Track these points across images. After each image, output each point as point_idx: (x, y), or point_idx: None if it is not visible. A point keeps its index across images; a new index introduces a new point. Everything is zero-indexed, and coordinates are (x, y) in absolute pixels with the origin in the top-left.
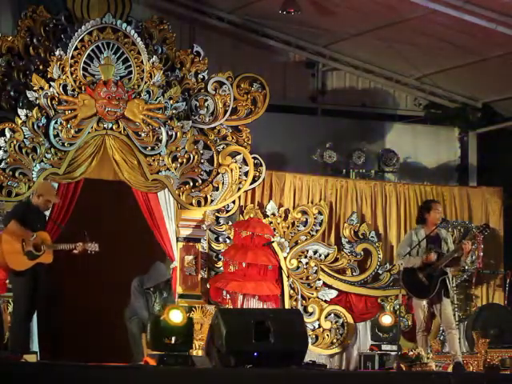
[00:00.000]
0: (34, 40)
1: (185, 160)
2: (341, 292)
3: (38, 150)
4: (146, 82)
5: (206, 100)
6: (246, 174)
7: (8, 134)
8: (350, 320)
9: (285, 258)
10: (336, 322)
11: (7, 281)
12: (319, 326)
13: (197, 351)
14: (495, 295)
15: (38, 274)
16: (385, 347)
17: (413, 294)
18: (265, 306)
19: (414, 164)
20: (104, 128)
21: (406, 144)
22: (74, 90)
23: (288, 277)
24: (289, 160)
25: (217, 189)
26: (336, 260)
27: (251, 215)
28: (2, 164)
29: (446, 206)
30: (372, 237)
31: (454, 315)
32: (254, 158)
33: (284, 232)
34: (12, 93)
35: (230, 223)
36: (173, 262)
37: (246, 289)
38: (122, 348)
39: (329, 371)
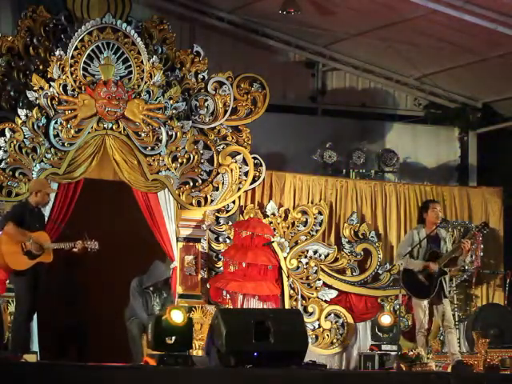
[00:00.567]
0: (34, 40)
1: (185, 160)
2: (341, 292)
3: (38, 150)
4: (145, 82)
5: (206, 100)
6: (246, 174)
7: (8, 133)
8: (350, 320)
9: (285, 258)
10: (336, 322)
11: (7, 281)
12: (319, 326)
13: (197, 351)
14: (495, 295)
15: (39, 274)
16: (385, 347)
17: (413, 294)
18: (265, 306)
19: (414, 164)
20: (104, 128)
21: (406, 144)
22: (73, 90)
23: (288, 277)
24: (289, 160)
25: (217, 189)
26: (336, 260)
27: (251, 215)
28: (2, 164)
29: (446, 205)
30: (372, 237)
31: (454, 315)
32: (254, 158)
33: (284, 232)
34: (12, 93)
35: (230, 223)
36: (173, 262)
37: (246, 289)
38: (122, 348)
39: (329, 371)
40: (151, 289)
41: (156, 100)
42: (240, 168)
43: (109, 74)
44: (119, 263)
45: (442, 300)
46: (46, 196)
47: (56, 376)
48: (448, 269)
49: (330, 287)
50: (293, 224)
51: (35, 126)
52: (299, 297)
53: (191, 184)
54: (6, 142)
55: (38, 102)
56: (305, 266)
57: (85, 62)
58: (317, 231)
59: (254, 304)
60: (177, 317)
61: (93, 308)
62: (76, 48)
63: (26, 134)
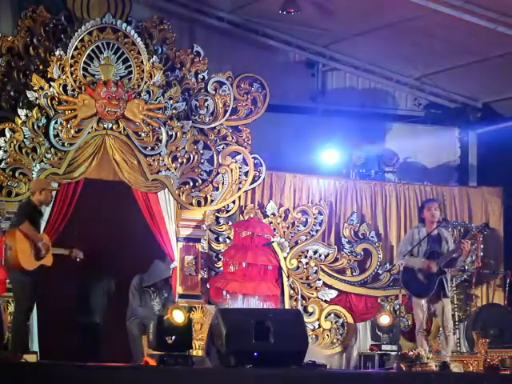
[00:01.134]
0: (34, 40)
1: (185, 160)
2: (341, 292)
3: (38, 150)
4: (146, 82)
5: (206, 100)
6: (246, 174)
7: (8, 133)
8: (350, 320)
9: (285, 258)
10: (336, 322)
11: (7, 281)
12: (319, 326)
13: (197, 351)
14: (495, 295)
15: (38, 273)
16: (385, 347)
17: (412, 293)
18: (265, 306)
19: (413, 164)
20: (104, 128)
21: (405, 144)
22: (74, 90)
23: (288, 277)
24: (289, 160)
25: (217, 189)
26: (336, 260)
27: (251, 215)
28: (2, 164)
29: (446, 205)
30: (372, 237)
31: (454, 315)
32: (254, 158)
33: (284, 232)
34: (12, 93)
35: (230, 223)
36: (173, 262)
37: (246, 289)
38: (122, 348)
39: (329, 371)
40: (151, 288)
41: (156, 100)
42: (240, 168)
43: (109, 74)
44: (119, 263)
45: (442, 299)
46: (50, 194)
47: (56, 376)
48: (448, 269)
49: (330, 287)
50: (293, 224)
51: (35, 126)
52: (299, 297)
53: (191, 184)
54: (5, 142)
55: (37, 102)
56: (305, 266)
57: (85, 62)
58: (317, 231)
59: (254, 304)
60: (178, 317)
61: (93, 308)
62: (76, 48)
63: (26, 134)
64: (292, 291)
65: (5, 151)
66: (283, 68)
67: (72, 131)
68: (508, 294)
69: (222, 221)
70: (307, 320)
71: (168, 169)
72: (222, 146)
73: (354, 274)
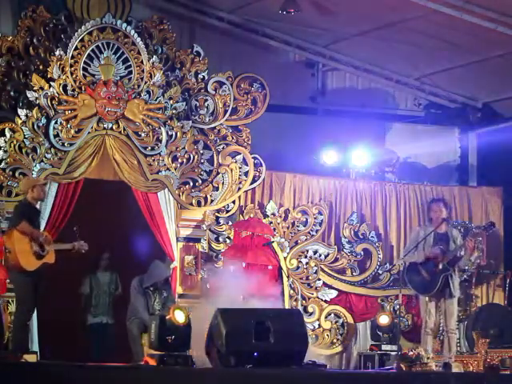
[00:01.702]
0: (34, 40)
1: (185, 160)
2: (341, 292)
3: (38, 150)
4: (146, 82)
5: (206, 100)
6: (246, 174)
7: (8, 134)
8: (350, 320)
9: (285, 258)
10: (336, 322)
11: (7, 281)
12: (319, 326)
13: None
14: (495, 295)
15: (42, 275)
16: (385, 347)
17: (415, 289)
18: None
19: (414, 164)
20: (104, 128)
21: (406, 144)
22: (74, 90)
23: (288, 277)
24: (289, 160)
25: (217, 189)
26: (336, 260)
27: (251, 215)
28: (2, 164)
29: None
30: (372, 237)
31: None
32: (254, 158)
33: (284, 232)
34: (12, 93)
35: (230, 223)
36: (173, 262)
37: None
38: (122, 348)
39: (329, 371)
40: (151, 288)
41: (156, 100)
42: (240, 168)
43: (109, 74)
44: (119, 263)
45: (447, 299)
46: (41, 189)
47: (56, 376)
48: (452, 268)
49: (330, 287)
50: (293, 224)
51: (35, 126)
52: (299, 297)
53: (191, 184)
54: (5, 142)
55: (38, 102)
56: (305, 266)
57: (85, 62)
58: (317, 231)
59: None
60: (178, 317)
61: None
62: (76, 48)
63: (26, 134)
64: (292, 291)
65: (5, 151)
66: (283, 68)
67: (72, 131)
68: (508, 294)
69: (221, 221)
70: (307, 320)
71: (168, 169)
72: (221, 146)
73: (353, 273)
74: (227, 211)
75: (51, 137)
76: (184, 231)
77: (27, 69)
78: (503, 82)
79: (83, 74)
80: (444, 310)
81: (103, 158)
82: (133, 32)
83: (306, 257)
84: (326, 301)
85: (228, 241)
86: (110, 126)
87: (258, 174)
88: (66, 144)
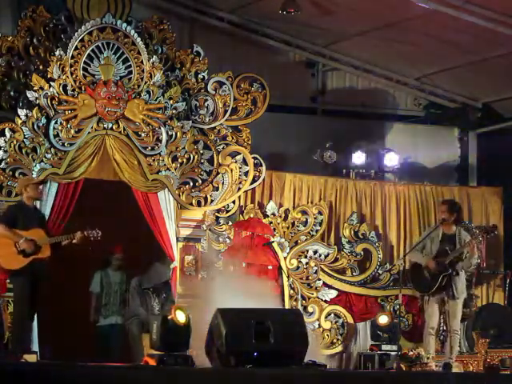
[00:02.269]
0: (34, 40)
1: (185, 160)
2: (341, 292)
3: (38, 150)
4: (146, 82)
5: (206, 100)
6: (246, 173)
7: (8, 133)
8: (350, 320)
9: (285, 258)
10: (336, 322)
11: (7, 281)
12: (319, 326)
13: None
14: (495, 295)
15: (38, 271)
16: (385, 347)
17: (415, 288)
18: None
19: (414, 164)
20: (104, 128)
21: (405, 144)
22: (74, 90)
23: (288, 277)
24: (289, 160)
25: (217, 189)
26: (336, 260)
27: (251, 215)
28: (2, 164)
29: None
30: (372, 237)
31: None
32: (254, 158)
33: (284, 232)
34: (12, 93)
35: (230, 223)
36: (173, 262)
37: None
38: (122, 348)
39: (329, 371)
40: (151, 289)
41: (156, 100)
42: (240, 168)
43: (109, 74)
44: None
45: (449, 300)
46: (36, 188)
47: (56, 376)
48: (454, 270)
49: (330, 287)
50: (293, 224)
51: (35, 126)
52: (299, 297)
53: (191, 184)
54: (6, 141)
55: (38, 102)
56: (305, 266)
57: (85, 62)
58: (317, 231)
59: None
60: (179, 317)
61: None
62: (76, 48)
63: (26, 134)
64: (292, 291)
65: (5, 151)
66: (283, 68)
67: (72, 131)
68: (508, 294)
69: (221, 221)
70: (307, 320)
71: (168, 169)
72: (221, 146)
73: (354, 274)
74: (227, 211)
75: (51, 137)
76: (184, 231)
77: (27, 69)
78: (503, 82)
79: (83, 74)
80: (447, 310)
81: (103, 158)
82: (133, 32)
83: (305, 257)
84: (325, 301)
85: (228, 241)
86: (110, 126)
87: (257, 174)
88: (65, 144)
